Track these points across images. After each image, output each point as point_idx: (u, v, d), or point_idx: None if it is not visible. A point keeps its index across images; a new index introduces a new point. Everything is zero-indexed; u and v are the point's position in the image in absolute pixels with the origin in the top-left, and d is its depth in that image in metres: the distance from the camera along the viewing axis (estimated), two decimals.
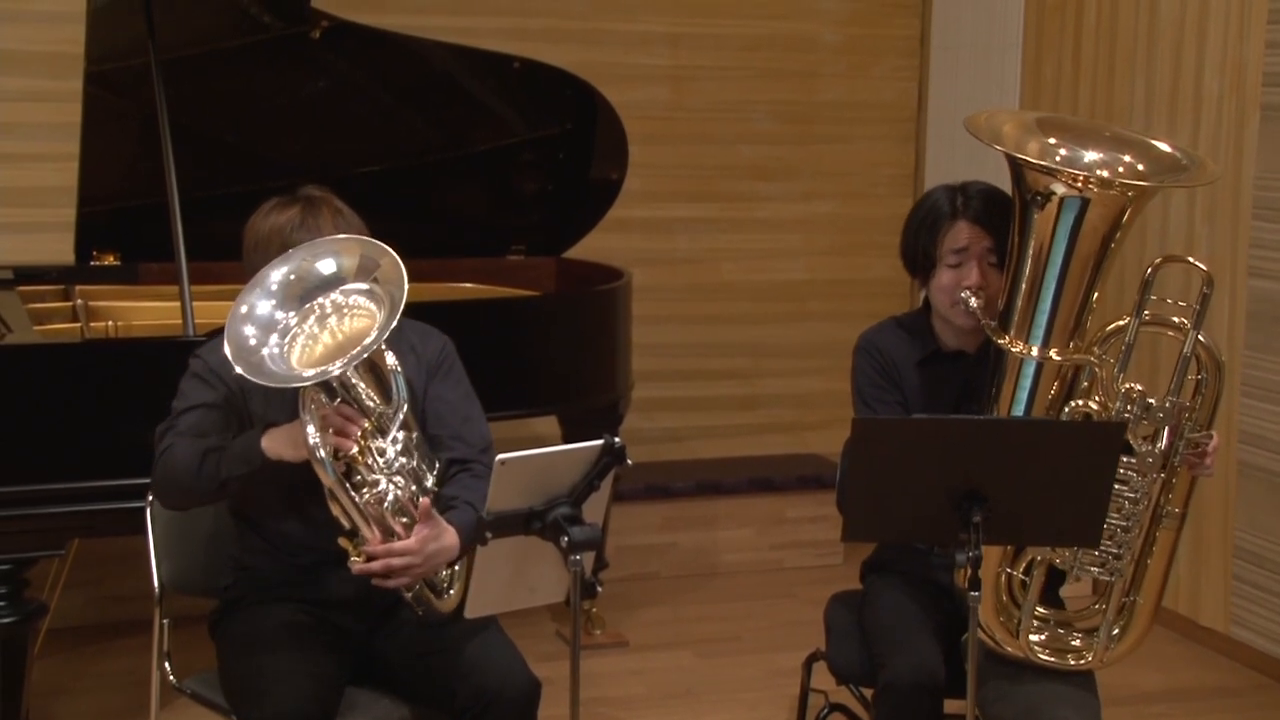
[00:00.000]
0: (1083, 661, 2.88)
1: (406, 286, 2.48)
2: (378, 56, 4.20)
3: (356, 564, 2.56)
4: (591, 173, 4.64)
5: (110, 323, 3.97)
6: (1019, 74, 5.26)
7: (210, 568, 2.98)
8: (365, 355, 2.44)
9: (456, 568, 2.72)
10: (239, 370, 2.44)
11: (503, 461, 2.36)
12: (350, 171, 4.36)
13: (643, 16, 5.33)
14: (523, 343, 3.98)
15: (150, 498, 2.97)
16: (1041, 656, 2.87)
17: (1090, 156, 2.79)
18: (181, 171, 3.62)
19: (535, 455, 2.40)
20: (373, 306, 2.50)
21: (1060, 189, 2.72)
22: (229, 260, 4.07)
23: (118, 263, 4.23)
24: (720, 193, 5.52)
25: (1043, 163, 2.75)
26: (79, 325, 3.88)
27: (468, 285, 4.55)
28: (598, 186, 4.63)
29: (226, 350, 2.46)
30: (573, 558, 2.38)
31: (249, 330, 2.49)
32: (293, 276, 2.54)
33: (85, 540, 3.77)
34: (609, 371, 4.26)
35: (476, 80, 4.41)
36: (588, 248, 4.70)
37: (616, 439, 2.46)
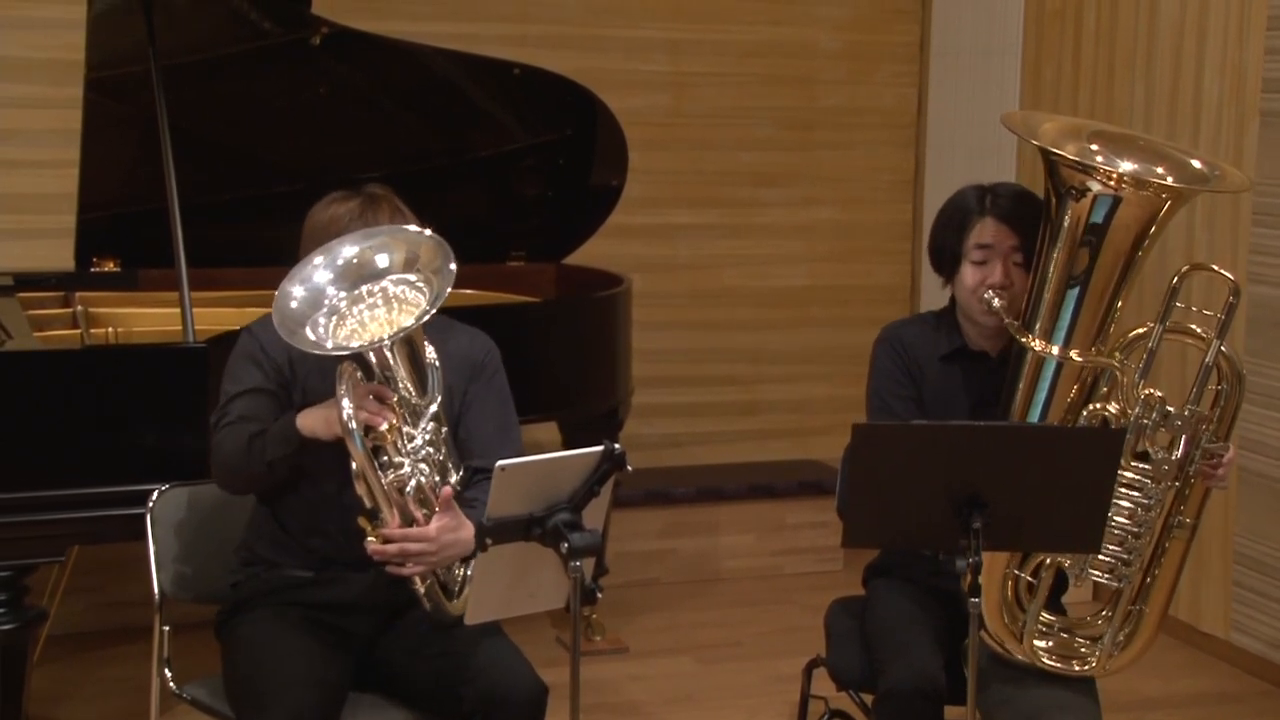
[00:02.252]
0: (1086, 668, 2.88)
1: (454, 271, 2.52)
2: (378, 62, 4.21)
3: (373, 544, 2.56)
4: (592, 179, 4.64)
5: (110, 329, 3.97)
6: (1019, 79, 5.27)
7: (211, 574, 2.98)
8: (405, 333, 2.49)
9: (469, 572, 2.72)
10: (282, 336, 2.49)
11: (503, 468, 2.36)
12: (350, 177, 4.33)
13: (643, 23, 5.34)
14: (523, 349, 3.96)
15: (150, 504, 2.98)
16: (1045, 661, 2.87)
17: (1125, 165, 2.78)
18: (182, 177, 3.62)
19: (535, 461, 2.41)
20: (421, 299, 2.54)
21: (1095, 186, 2.71)
22: (230, 266, 4.11)
23: (118, 269, 4.23)
24: (720, 199, 5.52)
25: (1078, 159, 2.74)
26: (79, 331, 3.88)
27: (468, 291, 4.54)
28: (598, 192, 4.64)
29: (275, 312, 2.50)
30: (573, 564, 2.38)
31: (299, 291, 2.53)
32: (355, 260, 2.58)
33: (85, 546, 3.77)
34: (609, 377, 4.26)
35: (477, 86, 4.41)
36: (588, 254, 4.69)
37: (617, 445, 2.46)
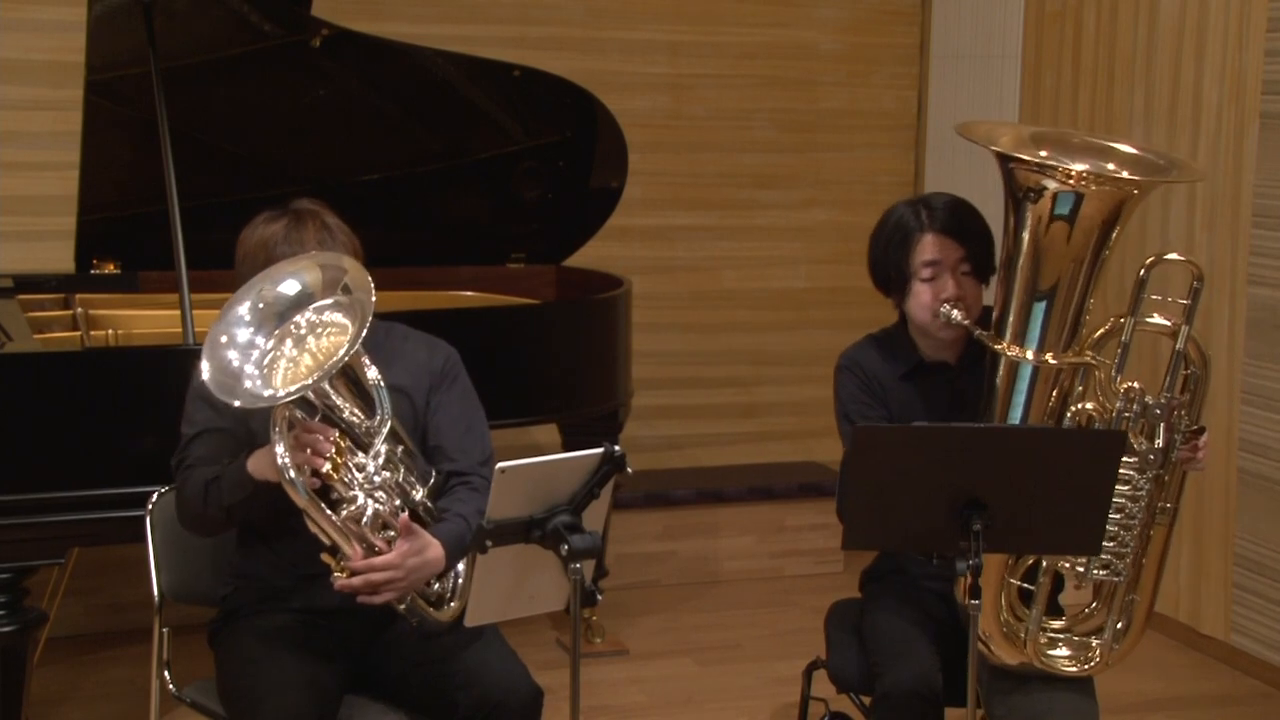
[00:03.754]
0: (1089, 666, 2.88)
1: (373, 293, 2.47)
2: (378, 64, 4.21)
3: (339, 579, 2.55)
4: (591, 181, 4.64)
5: (110, 331, 3.98)
6: (1018, 83, 5.27)
7: (210, 576, 2.98)
8: (335, 369, 2.43)
9: (459, 580, 2.72)
10: (219, 396, 2.43)
11: (503, 470, 2.36)
12: (350, 179, 4.36)
13: (642, 25, 5.34)
14: (523, 351, 3.98)
15: (150, 506, 2.98)
16: (1063, 666, 2.87)
17: (1079, 165, 2.78)
18: (182, 180, 3.62)
19: (535, 463, 2.40)
20: (345, 320, 2.49)
21: (1052, 185, 2.72)
22: (230, 269, 4.10)
23: (118, 271, 4.23)
24: (720, 201, 5.52)
25: (1035, 159, 2.74)
26: (79, 334, 3.88)
27: (468, 293, 4.55)
28: (598, 194, 4.64)
29: (205, 376, 2.45)
30: (573, 566, 2.38)
31: (231, 355, 2.49)
32: (260, 305, 2.54)
33: (85, 548, 3.77)
34: (609, 379, 4.26)
35: (477, 88, 4.42)
36: (588, 256, 4.70)
37: (616, 447, 2.47)
